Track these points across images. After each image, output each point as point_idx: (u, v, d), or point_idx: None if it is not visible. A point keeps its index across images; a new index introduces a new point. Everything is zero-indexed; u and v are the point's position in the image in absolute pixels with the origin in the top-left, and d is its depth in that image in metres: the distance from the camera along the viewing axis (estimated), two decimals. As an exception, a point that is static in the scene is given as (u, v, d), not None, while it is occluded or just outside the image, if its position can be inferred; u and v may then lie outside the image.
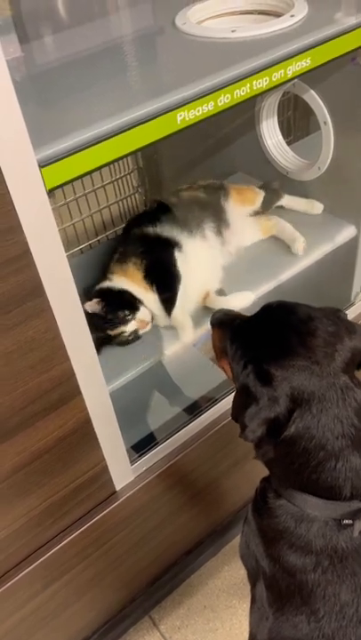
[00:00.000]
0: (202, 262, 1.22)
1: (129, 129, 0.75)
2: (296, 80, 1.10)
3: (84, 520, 1.06)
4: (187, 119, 0.80)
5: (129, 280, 1.17)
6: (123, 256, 1.21)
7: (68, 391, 0.88)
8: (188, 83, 0.81)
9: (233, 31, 0.95)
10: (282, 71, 0.88)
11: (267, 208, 1.35)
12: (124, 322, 1.12)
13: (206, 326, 1.11)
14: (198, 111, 0.81)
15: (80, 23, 1.09)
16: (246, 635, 0.93)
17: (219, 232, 1.27)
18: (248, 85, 0.84)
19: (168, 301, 1.16)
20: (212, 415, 1.19)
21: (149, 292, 1.17)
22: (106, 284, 1.18)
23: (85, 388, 0.89)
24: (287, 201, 1.38)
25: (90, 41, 1.00)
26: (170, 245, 1.19)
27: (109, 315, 1.12)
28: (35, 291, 0.75)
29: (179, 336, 1.15)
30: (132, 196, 1.65)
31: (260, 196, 1.34)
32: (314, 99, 1.22)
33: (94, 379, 0.90)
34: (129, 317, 1.13)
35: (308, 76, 0.94)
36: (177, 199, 1.30)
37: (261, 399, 0.73)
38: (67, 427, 0.91)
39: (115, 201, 1.59)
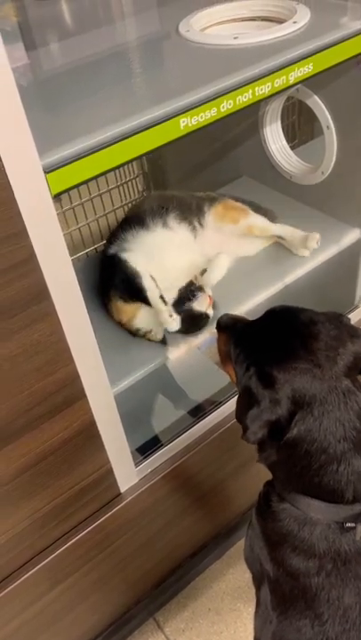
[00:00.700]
0: (169, 251, 1.22)
1: (133, 135, 0.76)
2: (299, 85, 1.11)
3: (88, 522, 1.07)
4: (190, 125, 0.81)
5: (124, 316, 1.19)
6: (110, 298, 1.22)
7: (72, 393, 0.89)
8: (191, 89, 0.82)
9: (235, 38, 0.96)
10: (284, 77, 0.88)
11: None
12: None
13: (211, 329, 1.12)
14: (201, 117, 0.82)
15: (85, 30, 1.10)
16: (251, 638, 0.93)
17: (192, 227, 1.26)
18: (250, 92, 0.85)
19: (148, 303, 1.15)
20: (216, 418, 1.19)
21: (139, 310, 1.17)
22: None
23: (90, 391, 0.90)
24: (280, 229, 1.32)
25: (94, 48, 1.01)
26: (120, 255, 1.19)
27: None
28: (40, 295, 0.76)
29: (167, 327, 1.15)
30: (138, 201, 1.66)
31: (246, 221, 1.29)
32: (317, 104, 1.22)
33: (99, 381, 0.91)
34: None
35: (311, 82, 0.94)
36: (151, 200, 1.31)
37: (263, 401, 0.73)
38: (72, 429, 0.92)
39: (120, 205, 1.60)
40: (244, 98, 0.85)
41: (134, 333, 1.19)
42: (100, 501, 1.07)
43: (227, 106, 0.84)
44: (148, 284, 1.13)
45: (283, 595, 0.82)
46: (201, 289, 1.17)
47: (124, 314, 1.18)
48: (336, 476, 0.74)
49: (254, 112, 1.37)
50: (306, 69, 0.91)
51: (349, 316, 1.34)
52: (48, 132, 0.74)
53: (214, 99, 0.82)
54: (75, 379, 0.87)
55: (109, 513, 1.08)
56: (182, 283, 1.18)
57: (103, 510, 1.08)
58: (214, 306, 1.18)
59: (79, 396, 0.90)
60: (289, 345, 0.77)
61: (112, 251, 1.23)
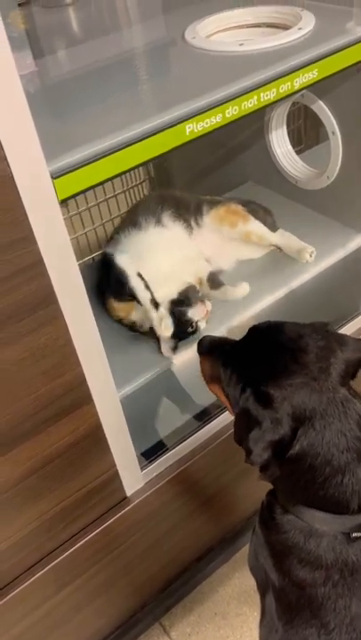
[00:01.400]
0: (160, 247, 1.22)
1: (139, 141, 0.77)
2: (305, 91, 1.11)
3: (95, 525, 1.07)
4: (195, 131, 0.82)
5: (120, 313, 1.20)
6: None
7: (79, 397, 0.89)
8: (197, 95, 0.83)
9: (241, 44, 0.97)
10: (289, 83, 0.89)
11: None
12: None
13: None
14: (207, 123, 0.82)
15: (92, 37, 1.12)
16: (256, 642, 0.93)
17: (187, 225, 1.26)
18: (255, 97, 0.86)
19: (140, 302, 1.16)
20: (221, 422, 1.19)
21: (133, 309, 1.18)
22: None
23: (96, 394, 0.91)
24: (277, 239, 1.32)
25: (101, 55, 1.03)
26: (110, 255, 1.20)
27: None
28: (47, 299, 0.77)
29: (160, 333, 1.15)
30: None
31: (245, 226, 1.29)
32: (322, 109, 1.23)
33: (105, 385, 0.91)
34: None
35: (316, 87, 0.95)
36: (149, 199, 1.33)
37: (264, 422, 0.72)
38: (78, 432, 0.93)
39: (126, 210, 1.61)
40: (250, 104, 0.86)
41: (132, 328, 1.20)
42: (107, 505, 1.08)
43: (232, 112, 0.84)
44: (135, 283, 1.13)
45: (288, 604, 0.82)
46: (202, 300, 1.16)
47: (120, 311, 1.20)
48: (341, 488, 0.74)
49: (260, 117, 1.38)
50: (311, 75, 0.91)
51: (353, 321, 1.34)
52: (55, 139, 0.75)
53: (220, 105, 0.83)
54: (81, 382, 0.88)
55: (116, 516, 1.08)
56: (178, 278, 1.18)
57: (109, 513, 1.08)
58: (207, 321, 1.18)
59: (86, 399, 0.90)
60: (280, 361, 0.75)
61: (107, 250, 1.24)
